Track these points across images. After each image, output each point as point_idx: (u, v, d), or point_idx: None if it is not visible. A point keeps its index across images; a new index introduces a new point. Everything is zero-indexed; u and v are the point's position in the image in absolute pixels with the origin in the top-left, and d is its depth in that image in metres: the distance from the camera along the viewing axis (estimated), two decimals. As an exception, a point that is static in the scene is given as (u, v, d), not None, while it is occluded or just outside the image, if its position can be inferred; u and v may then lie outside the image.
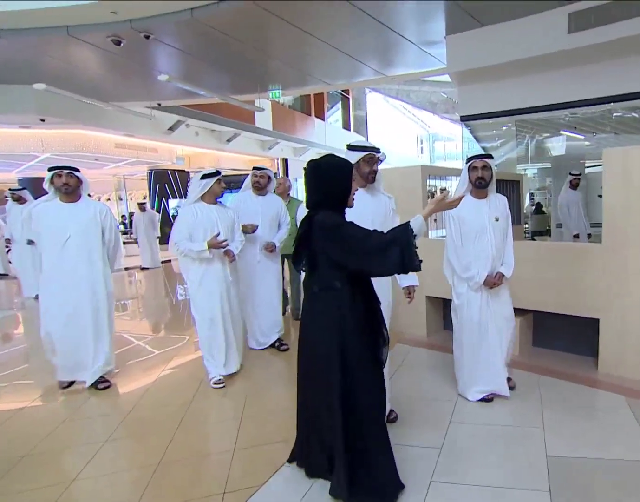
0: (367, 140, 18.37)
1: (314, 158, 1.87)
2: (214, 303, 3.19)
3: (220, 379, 3.21)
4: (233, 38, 5.79)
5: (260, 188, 3.79)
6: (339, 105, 18.56)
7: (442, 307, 4.16)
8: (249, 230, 3.60)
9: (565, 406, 2.72)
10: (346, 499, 1.76)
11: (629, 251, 2.97)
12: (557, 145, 8.71)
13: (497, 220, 2.73)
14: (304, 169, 1.84)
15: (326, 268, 1.77)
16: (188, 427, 2.67)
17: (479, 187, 2.71)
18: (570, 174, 6.57)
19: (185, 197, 13.33)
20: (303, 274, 1.93)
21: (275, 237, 3.85)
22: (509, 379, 2.90)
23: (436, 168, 6.61)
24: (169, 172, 13.52)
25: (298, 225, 1.94)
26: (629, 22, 5.05)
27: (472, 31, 5.85)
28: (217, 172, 3.24)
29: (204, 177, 3.16)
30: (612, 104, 6.09)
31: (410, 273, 2.12)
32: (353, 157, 2.22)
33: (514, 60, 5.77)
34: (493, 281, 2.72)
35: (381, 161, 2.39)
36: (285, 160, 15.93)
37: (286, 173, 15.67)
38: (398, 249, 1.60)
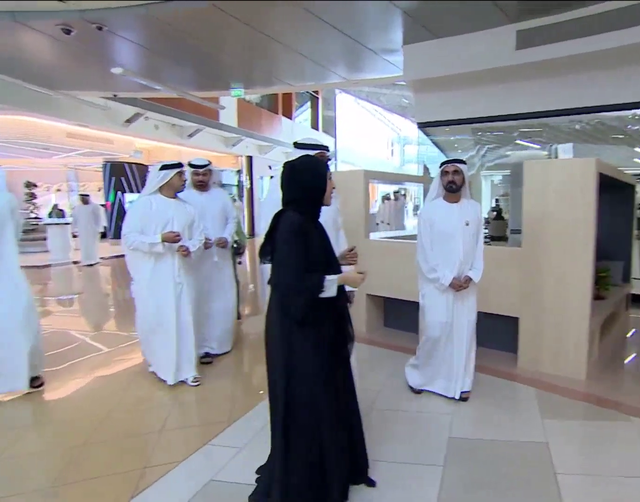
0: (336, 140, 18.80)
1: (289, 159, 1.99)
2: (161, 304, 3.10)
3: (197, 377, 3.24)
4: (191, 36, 6.02)
5: (204, 186, 3.72)
6: (308, 104, 18.97)
7: (382, 305, 4.54)
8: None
9: (479, 395, 3.12)
10: None
11: (545, 255, 3.44)
12: (516, 154, 9.37)
13: (467, 224, 2.89)
14: (281, 169, 1.95)
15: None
16: (118, 411, 2.92)
17: (451, 191, 2.89)
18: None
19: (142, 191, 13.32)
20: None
21: (225, 232, 3.80)
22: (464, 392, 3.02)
23: (379, 173, 7.05)
24: (125, 165, 13.46)
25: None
26: (572, 42, 5.66)
27: (427, 42, 6.34)
28: (179, 164, 3.16)
29: (164, 167, 3.09)
30: (566, 116, 6.74)
31: None
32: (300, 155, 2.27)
33: (466, 72, 6.31)
34: (459, 284, 2.88)
35: (329, 159, 2.50)
36: (250, 158, 16.14)
37: (250, 171, 15.88)
38: (303, 301, 1.73)
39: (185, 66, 7.44)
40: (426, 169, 9.24)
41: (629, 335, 4.78)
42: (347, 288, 2.53)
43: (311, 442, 1.80)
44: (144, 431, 2.70)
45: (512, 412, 2.92)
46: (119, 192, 13.26)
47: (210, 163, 3.78)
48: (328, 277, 1.77)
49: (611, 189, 5.06)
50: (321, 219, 2.13)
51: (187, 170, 3.61)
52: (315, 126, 19.16)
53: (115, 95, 9.33)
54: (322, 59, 7.25)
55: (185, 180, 3.41)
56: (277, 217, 1.87)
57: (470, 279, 2.92)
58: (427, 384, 3.14)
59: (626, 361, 3.99)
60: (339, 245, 2.58)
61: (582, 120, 7.21)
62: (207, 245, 3.58)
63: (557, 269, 3.38)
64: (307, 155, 2.04)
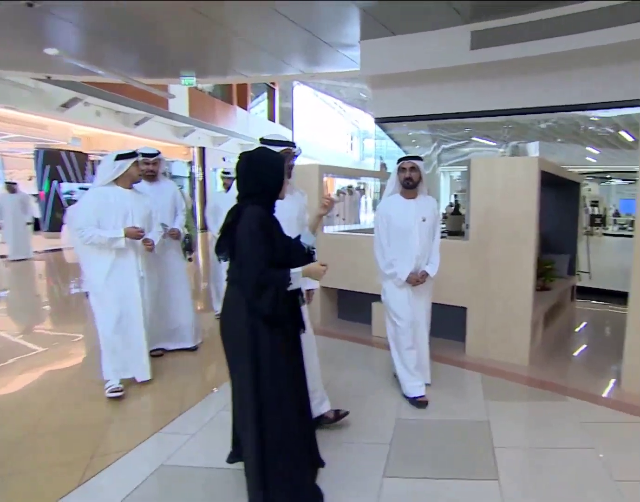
0: (293, 133, 18.87)
1: (246, 150, 2.01)
2: (124, 300, 3.08)
3: (118, 388, 3.04)
4: (139, 21, 5.89)
5: (153, 176, 3.69)
6: (265, 95, 18.92)
7: (336, 298, 4.72)
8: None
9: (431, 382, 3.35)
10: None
11: (491, 248, 3.73)
12: (472, 151, 9.84)
13: (424, 220, 3.01)
14: (237, 159, 1.96)
15: (236, 261, 1.88)
16: (61, 406, 2.90)
17: (407, 187, 3.00)
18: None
19: (82, 181, 12.77)
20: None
21: (175, 224, 3.80)
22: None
23: (334, 167, 7.25)
24: (62, 152, 12.82)
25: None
26: (524, 44, 6.08)
27: (384, 39, 6.58)
28: (134, 154, 3.14)
29: (119, 157, 3.06)
30: (519, 115, 7.21)
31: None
32: (257, 147, 2.28)
33: (422, 70, 6.60)
34: (416, 279, 3.01)
35: (296, 156, 2.50)
36: (203, 149, 15.89)
37: (203, 162, 15.64)
38: (272, 293, 1.78)
39: (131, 51, 7.22)
40: (383, 164, 9.54)
41: (574, 324, 5.23)
42: (309, 286, 2.65)
43: (287, 431, 1.89)
44: (91, 423, 2.69)
45: (458, 395, 3.18)
46: (55, 182, 12.61)
47: (159, 152, 3.75)
48: (293, 270, 1.84)
49: (559, 186, 5.54)
50: (286, 216, 2.18)
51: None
52: (271, 118, 19.14)
53: (49, 77, 8.87)
54: (278, 51, 7.32)
55: (142, 171, 3.38)
56: (237, 211, 1.87)
57: (427, 274, 3.05)
58: (419, 385, 3.07)
59: (568, 348, 4.37)
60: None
61: (548, 119, 7.77)
62: (172, 234, 3.71)
63: (502, 261, 3.68)
64: (263, 147, 2.08)
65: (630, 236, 3.92)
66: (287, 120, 19.44)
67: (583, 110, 6.29)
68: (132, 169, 3.10)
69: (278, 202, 2.01)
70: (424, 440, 2.56)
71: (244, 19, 6.11)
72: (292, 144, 2.47)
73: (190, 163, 15.98)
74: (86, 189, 3.97)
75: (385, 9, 5.90)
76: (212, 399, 3.01)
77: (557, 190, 5.63)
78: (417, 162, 3.01)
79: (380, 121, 7.51)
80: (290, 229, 2.10)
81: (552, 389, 3.25)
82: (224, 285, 2.05)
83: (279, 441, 1.86)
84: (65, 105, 10.60)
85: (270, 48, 7.18)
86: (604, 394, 3.20)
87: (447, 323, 4.16)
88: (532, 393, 3.24)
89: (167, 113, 13.13)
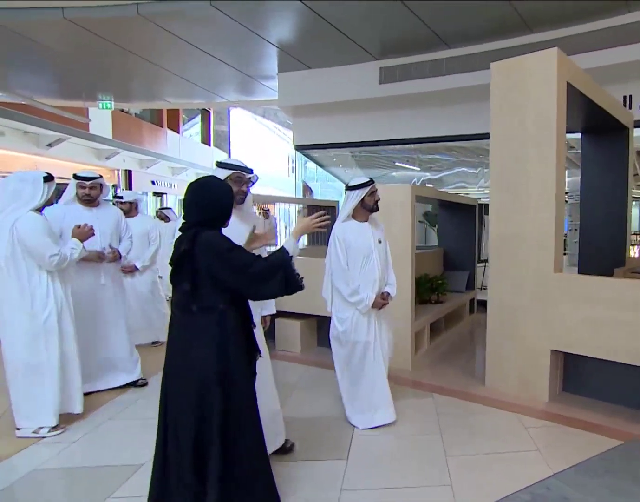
0: (230, 156, 19.50)
1: (197, 177, 2.18)
2: (39, 331, 2.99)
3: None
4: (47, 47, 6.34)
5: (91, 201, 3.79)
6: (199, 118, 19.51)
7: (315, 325, 5.10)
8: (94, 257, 3.62)
9: (318, 384, 3.91)
10: None
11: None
12: (400, 175, 10.78)
13: (380, 242, 3.23)
14: (186, 188, 2.10)
15: (209, 288, 1.97)
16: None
17: (374, 210, 3.22)
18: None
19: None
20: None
21: (120, 247, 3.90)
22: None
23: (264, 196, 7.97)
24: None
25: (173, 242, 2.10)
26: (426, 80, 7.12)
27: (300, 72, 7.45)
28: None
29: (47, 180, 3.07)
30: (422, 144, 8.26)
31: (268, 303, 2.73)
32: (221, 175, 2.46)
33: (336, 101, 7.51)
34: (382, 302, 3.18)
35: (253, 183, 2.62)
36: (129, 172, 16.07)
37: (129, 186, 15.80)
38: (282, 273, 1.95)
39: (41, 75, 7.61)
40: (309, 188, 10.31)
41: (466, 333, 6.03)
42: (266, 312, 2.78)
43: (251, 439, 2.04)
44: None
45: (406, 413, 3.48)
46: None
47: (101, 177, 3.86)
48: (285, 242, 2.08)
49: (457, 210, 6.48)
50: (237, 240, 2.21)
51: (71, 183, 3.76)
52: (206, 141, 19.72)
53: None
54: (199, 79, 8.02)
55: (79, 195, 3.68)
56: (192, 237, 1.95)
57: (389, 295, 3.26)
58: (366, 421, 3.18)
59: (453, 354, 5.01)
60: None
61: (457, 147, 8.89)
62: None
63: (386, 277, 4.39)
64: (212, 176, 2.21)
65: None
66: (224, 143, 20.09)
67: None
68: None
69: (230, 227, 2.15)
70: (377, 450, 2.93)
71: (163, 51, 6.74)
72: (248, 170, 2.57)
73: (115, 186, 16.10)
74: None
75: (299, 45, 6.76)
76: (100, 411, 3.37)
77: (456, 213, 6.58)
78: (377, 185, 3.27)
79: (300, 148, 8.33)
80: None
81: (422, 388, 3.94)
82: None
83: (245, 477, 1.98)
84: (-39, 124, 10.54)
85: (194, 78, 7.86)
86: (466, 390, 3.90)
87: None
88: (408, 393, 3.87)
89: (87, 134, 13.28)
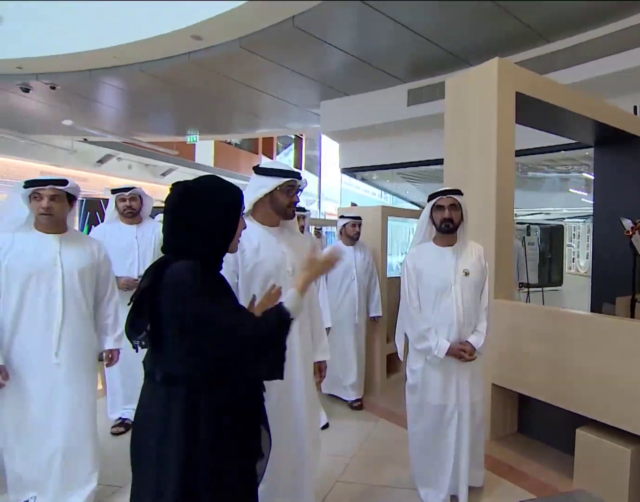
0: (320, 179, 20.23)
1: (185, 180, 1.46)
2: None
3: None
4: (142, 94, 7.71)
5: (132, 215, 3.42)
6: (292, 146, 20.87)
7: None
8: (124, 286, 3.10)
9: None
10: None
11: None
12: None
13: (466, 274, 2.39)
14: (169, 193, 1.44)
15: (177, 346, 1.32)
16: None
17: (446, 231, 2.40)
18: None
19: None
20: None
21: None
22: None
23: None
24: (101, 200, 15.23)
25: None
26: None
27: (339, 99, 7.79)
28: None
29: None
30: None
31: (322, 336, 2.12)
32: (266, 185, 1.92)
33: (370, 125, 7.67)
34: (462, 354, 2.33)
35: (301, 190, 2.04)
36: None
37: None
38: (279, 346, 1.30)
39: (140, 116, 9.19)
40: (353, 204, 10.51)
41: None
42: (320, 357, 2.11)
43: None
44: None
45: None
46: (93, 226, 15.00)
47: (137, 188, 3.49)
48: (286, 297, 1.36)
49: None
50: (294, 272, 1.83)
51: (111, 199, 3.48)
52: (298, 165, 20.93)
53: (85, 139, 11.15)
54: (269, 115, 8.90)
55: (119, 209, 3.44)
56: (156, 271, 1.33)
57: (472, 347, 2.36)
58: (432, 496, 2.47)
59: None
60: None
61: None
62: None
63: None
64: (211, 176, 1.49)
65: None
66: (314, 166, 21.07)
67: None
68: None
69: (272, 249, 1.75)
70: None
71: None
72: (298, 175, 1.99)
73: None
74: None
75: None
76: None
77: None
78: (458, 198, 2.40)
79: (345, 171, 8.66)
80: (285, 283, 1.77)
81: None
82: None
83: None
84: (101, 161, 12.89)
85: (253, 109, 8.74)
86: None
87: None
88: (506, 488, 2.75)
89: (193, 164, 15.18)
